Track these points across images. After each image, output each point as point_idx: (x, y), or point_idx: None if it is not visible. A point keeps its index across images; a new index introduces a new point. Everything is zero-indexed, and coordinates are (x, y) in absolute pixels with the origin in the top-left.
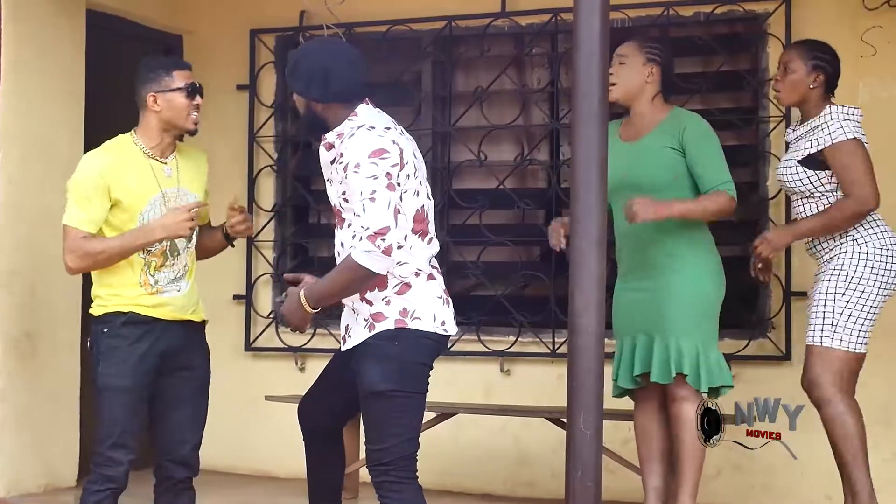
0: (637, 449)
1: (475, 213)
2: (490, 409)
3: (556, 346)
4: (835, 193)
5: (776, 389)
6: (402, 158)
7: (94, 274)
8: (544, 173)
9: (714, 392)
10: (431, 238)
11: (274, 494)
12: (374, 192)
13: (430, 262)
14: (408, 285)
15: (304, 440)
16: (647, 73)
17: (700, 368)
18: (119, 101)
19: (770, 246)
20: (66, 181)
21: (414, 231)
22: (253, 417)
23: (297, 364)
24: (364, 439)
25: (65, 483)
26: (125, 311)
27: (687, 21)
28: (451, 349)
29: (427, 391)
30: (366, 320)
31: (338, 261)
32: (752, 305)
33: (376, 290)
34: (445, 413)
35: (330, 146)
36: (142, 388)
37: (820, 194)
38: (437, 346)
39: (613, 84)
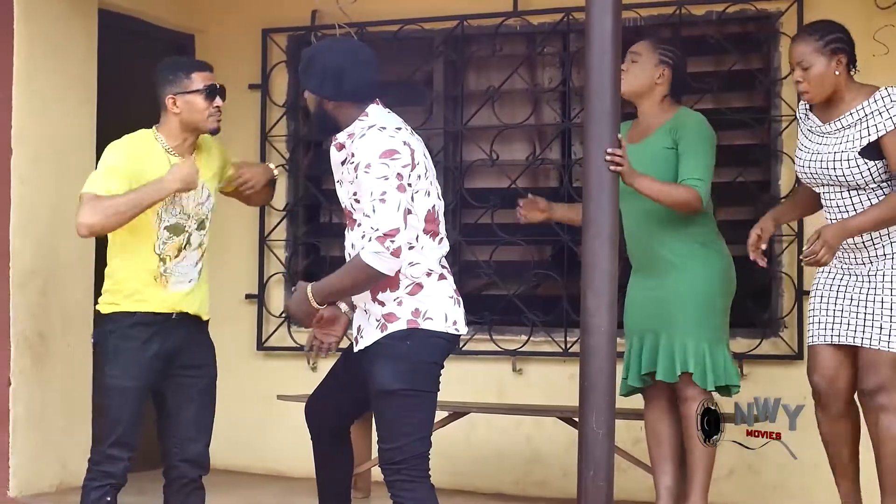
0: (648, 449)
1: (487, 212)
2: (502, 409)
3: (569, 346)
4: (889, 183)
5: (788, 388)
6: (413, 159)
7: (108, 267)
8: (556, 172)
9: (725, 391)
10: (442, 238)
11: (286, 494)
12: (385, 193)
13: (440, 261)
14: (419, 286)
15: (311, 439)
16: (658, 73)
17: (706, 367)
18: (131, 100)
19: (831, 251)
20: (79, 181)
21: (425, 231)
22: (265, 417)
23: (309, 363)
24: (376, 438)
25: (77, 482)
26: (133, 310)
27: (699, 20)
28: (464, 348)
29: (439, 390)
30: (378, 321)
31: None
32: (765, 304)
33: (388, 290)
34: (457, 412)
35: (341, 146)
36: (146, 389)
37: (876, 185)
38: (448, 345)
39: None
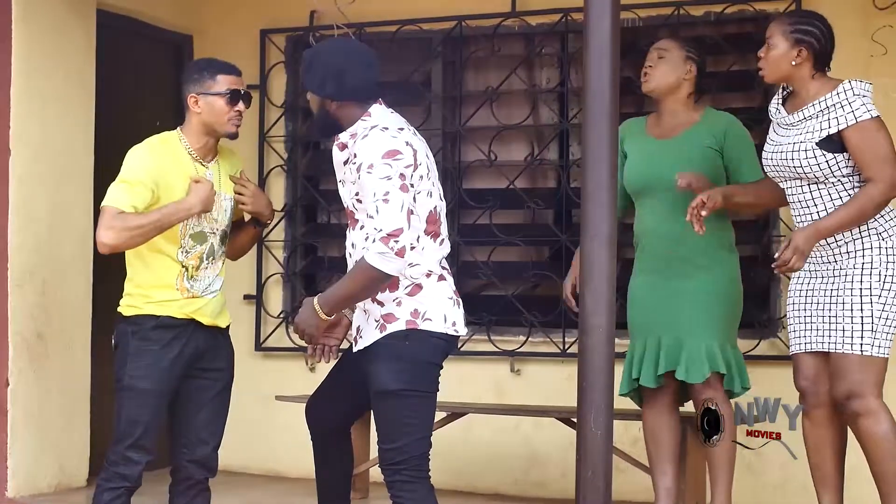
0: (647, 450)
1: (485, 212)
2: (500, 409)
3: (567, 346)
4: (850, 178)
5: (787, 388)
6: (415, 159)
7: (128, 271)
8: (554, 173)
9: (730, 393)
10: (443, 239)
11: (285, 494)
12: (388, 193)
13: (440, 262)
14: (419, 286)
15: (311, 440)
16: (686, 69)
17: (733, 368)
18: (130, 101)
19: (804, 257)
20: (77, 181)
21: (426, 232)
22: (263, 417)
23: (307, 364)
24: (376, 439)
25: (76, 483)
26: (157, 314)
27: (697, 21)
28: (462, 349)
29: (438, 391)
30: (377, 321)
31: (349, 262)
32: (763, 305)
33: (387, 291)
34: (456, 413)
35: (343, 146)
36: (167, 392)
37: (836, 179)
38: (447, 346)
39: (648, 75)
